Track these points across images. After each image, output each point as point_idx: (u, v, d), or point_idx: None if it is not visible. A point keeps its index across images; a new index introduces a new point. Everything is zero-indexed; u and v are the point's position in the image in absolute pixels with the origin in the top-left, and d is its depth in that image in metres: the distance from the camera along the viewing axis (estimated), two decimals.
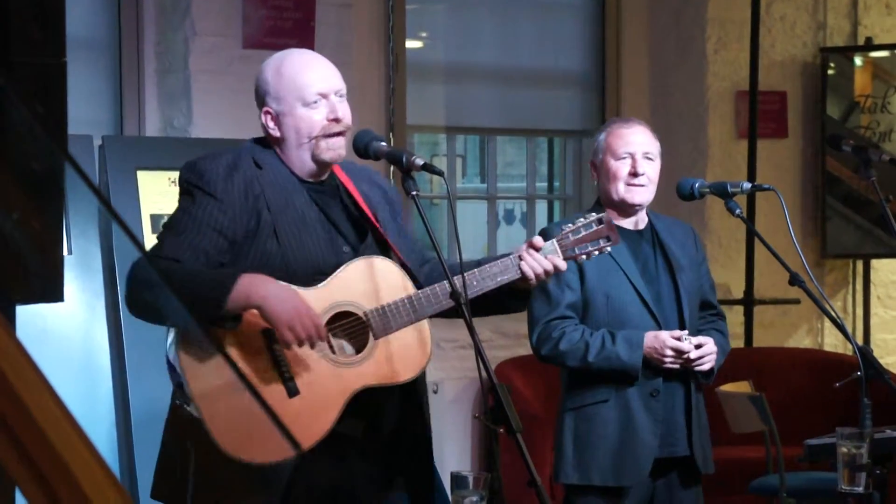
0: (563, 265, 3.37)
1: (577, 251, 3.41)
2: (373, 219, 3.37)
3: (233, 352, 3.12)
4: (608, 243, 3.45)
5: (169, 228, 3.24)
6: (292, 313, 3.08)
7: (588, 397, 4.08)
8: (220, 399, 3.06)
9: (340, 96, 3.34)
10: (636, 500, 4.08)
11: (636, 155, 4.10)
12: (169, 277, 3.10)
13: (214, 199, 3.20)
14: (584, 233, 3.42)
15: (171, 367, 3.17)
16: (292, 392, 3.15)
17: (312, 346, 3.15)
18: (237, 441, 3.02)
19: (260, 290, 3.09)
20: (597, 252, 3.44)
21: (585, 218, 3.46)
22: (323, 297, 3.20)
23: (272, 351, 3.15)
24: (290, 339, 3.09)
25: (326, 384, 3.18)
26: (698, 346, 4.00)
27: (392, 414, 3.31)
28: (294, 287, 3.16)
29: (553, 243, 3.39)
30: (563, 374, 4.17)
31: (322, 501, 3.23)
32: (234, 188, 3.23)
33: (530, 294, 3.48)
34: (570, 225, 3.44)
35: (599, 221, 3.44)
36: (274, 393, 3.13)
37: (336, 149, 3.32)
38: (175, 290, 3.08)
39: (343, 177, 3.42)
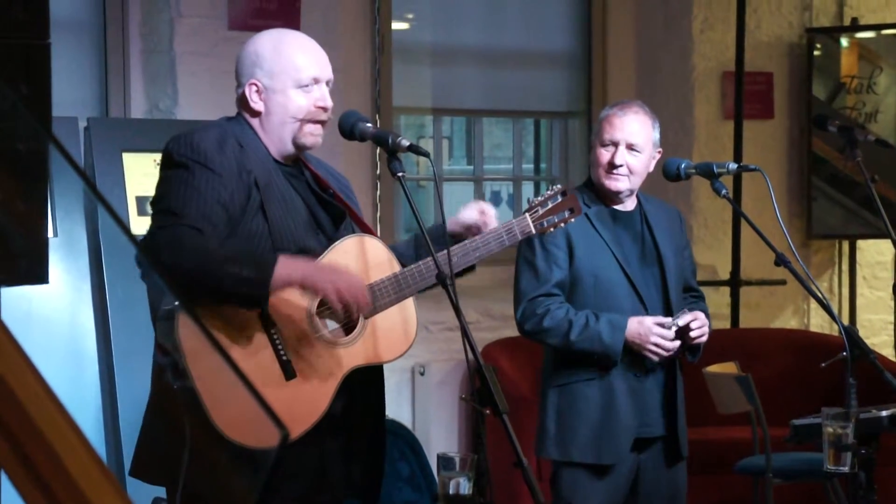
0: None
1: (545, 223, 3.52)
2: (343, 201, 3.39)
3: (230, 335, 3.10)
4: (572, 215, 3.58)
5: (173, 200, 3.14)
6: (339, 281, 3.11)
7: (573, 375, 4.10)
8: (220, 379, 3.03)
9: (329, 85, 3.37)
10: (621, 475, 4.10)
11: (619, 145, 4.11)
12: (210, 253, 3.06)
13: (213, 173, 3.16)
14: (550, 205, 3.55)
15: (161, 347, 3.15)
16: (290, 375, 3.15)
17: (361, 310, 3.18)
18: (234, 422, 2.98)
19: (299, 267, 3.11)
20: (562, 223, 3.56)
21: (551, 190, 3.58)
22: None
23: (269, 334, 3.15)
24: (338, 307, 3.13)
25: (322, 365, 3.19)
26: (687, 329, 4.01)
27: (362, 393, 3.33)
28: None
29: (526, 217, 3.49)
30: (548, 351, 4.19)
31: (297, 479, 3.23)
32: (228, 163, 3.20)
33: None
34: (538, 198, 3.56)
35: (563, 193, 3.58)
36: (271, 376, 3.13)
37: (317, 135, 3.35)
38: (219, 267, 3.04)
39: (305, 163, 3.44)
